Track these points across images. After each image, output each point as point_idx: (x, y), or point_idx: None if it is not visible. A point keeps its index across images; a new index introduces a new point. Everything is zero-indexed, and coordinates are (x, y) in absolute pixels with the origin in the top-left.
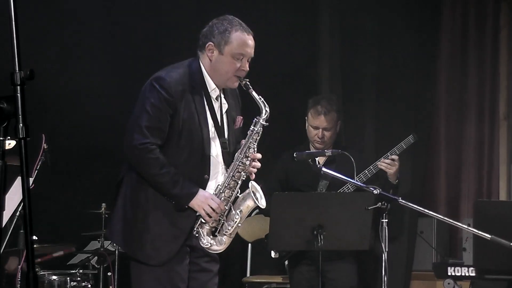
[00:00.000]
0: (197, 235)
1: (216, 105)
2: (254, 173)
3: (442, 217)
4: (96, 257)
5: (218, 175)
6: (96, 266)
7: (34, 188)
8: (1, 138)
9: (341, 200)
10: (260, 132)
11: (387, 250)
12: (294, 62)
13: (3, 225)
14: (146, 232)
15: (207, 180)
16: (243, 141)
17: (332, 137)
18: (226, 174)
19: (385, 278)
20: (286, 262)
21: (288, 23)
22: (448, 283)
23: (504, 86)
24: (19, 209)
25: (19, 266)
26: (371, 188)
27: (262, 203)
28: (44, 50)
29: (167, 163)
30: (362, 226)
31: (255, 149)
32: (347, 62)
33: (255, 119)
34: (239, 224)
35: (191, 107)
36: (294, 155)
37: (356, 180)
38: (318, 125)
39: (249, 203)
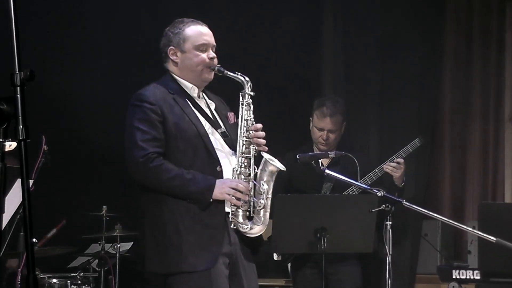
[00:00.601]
0: (234, 226)
1: (201, 103)
2: (264, 145)
3: (446, 219)
4: (96, 260)
5: (230, 163)
6: (97, 269)
7: (34, 190)
8: (1, 140)
9: (345, 202)
10: (251, 103)
11: (391, 253)
12: (298, 63)
13: (3, 228)
14: (182, 242)
15: (221, 172)
16: (239, 118)
17: (337, 139)
18: (234, 156)
19: (389, 281)
20: (289, 265)
21: (292, 26)
22: (453, 287)
23: (509, 88)
24: (19, 212)
25: (19, 269)
26: (375, 190)
27: (283, 167)
28: (46, 52)
29: (175, 166)
30: (365, 228)
31: (253, 120)
32: (351, 65)
33: (240, 92)
34: (269, 195)
35: (177, 109)
36: (297, 157)
37: (361, 182)
38: (323, 127)
39: (270, 169)
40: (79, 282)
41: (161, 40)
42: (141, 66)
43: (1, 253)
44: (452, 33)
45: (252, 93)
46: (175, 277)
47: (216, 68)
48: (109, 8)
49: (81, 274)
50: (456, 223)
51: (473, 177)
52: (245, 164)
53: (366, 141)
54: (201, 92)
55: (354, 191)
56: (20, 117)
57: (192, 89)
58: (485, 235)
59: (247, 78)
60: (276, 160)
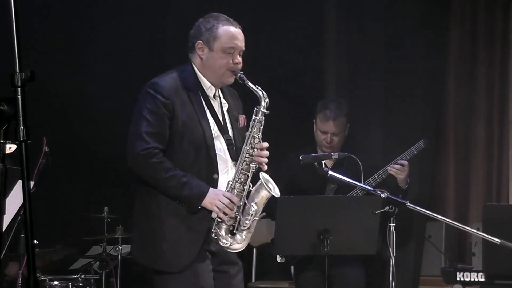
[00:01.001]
0: (215, 236)
1: (215, 104)
2: (265, 164)
3: (450, 221)
4: (98, 262)
5: (228, 173)
6: (98, 271)
7: (35, 192)
8: (1, 141)
9: (348, 204)
10: (263, 121)
11: (394, 255)
12: (301, 63)
13: (4, 230)
14: (163, 240)
15: (217, 180)
16: (247, 133)
17: (341, 141)
18: (234, 169)
19: (393, 283)
20: (292, 267)
21: (295, 24)
22: None
23: None
24: (20, 213)
25: (20, 271)
26: (379, 192)
27: (276, 192)
28: (47, 53)
29: (173, 166)
30: (369, 230)
31: (260, 139)
32: (354, 65)
33: (255, 108)
34: (256, 217)
35: (189, 108)
36: (300, 158)
37: (365, 184)
38: (326, 130)
39: (263, 194)
40: (80, 284)
41: (191, 29)
42: (145, 67)
43: (2, 255)
44: (456, 33)
45: (266, 111)
46: (155, 273)
47: (239, 75)
48: (113, 9)
49: (83, 276)
50: (460, 224)
51: (478, 179)
52: (242, 180)
53: (369, 143)
54: (218, 91)
55: (358, 193)
56: (20, 118)
57: (210, 89)
58: (489, 237)
59: (265, 94)
60: (272, 183)
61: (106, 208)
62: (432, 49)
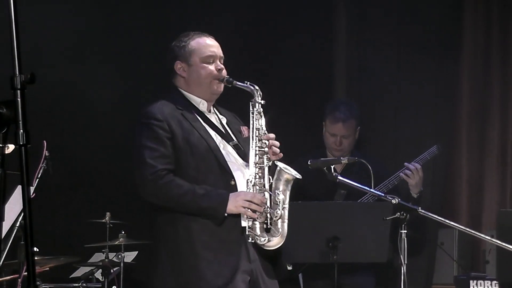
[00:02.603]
0: (252, 240)
1: (212, 117)
2: (278, 154)
3: (463, 228)
4: (100, 270)
5: (244, 176)
6: (100, 279)
7: (35, 197)
8: (1, 145)
9: (358, 210)
10: (262, 112)
11: (406, 262)
12: (310, 63)
13: (3, 236)
14: (199, 260)
15: (235, 185)
16: (250, 128)
17: (351, 144)
18: (248, 167)
19: None
20: (301, 276)
21: (304, 23)
22: None
23: None
24: (20, 220)
25: (20, 279)
26: (390, 198)
27: (298, 176)
28: (50, 55)
29: (186, 182)
30: (379, 237)
31: (265, 129)
32: (364, 64)
33: (250, 101)
34: (286, 205)
35: (186, 124)
36: (308, 163)
37: (376, 190)
38: (336, 132)
39: (286, 178)
40: None
41: (166, 56)
42: (147, 73)
43: (1, 263)
44: (470, 33)
45: (262, 102)
46: None
47: (225, 79)
48: (118, 13)
49: (84, 284)
50: (473, 231)
51: (491, 184)
52: (260, 174)
53: (380, 145)
54: (211, 107)
55: (369, 199)
56: (20, 122)
57: (201, 104)
58: (504, 244)
59: (256, 87)
60: (290, 169)
61: (108, 213)
62: (445, 48)
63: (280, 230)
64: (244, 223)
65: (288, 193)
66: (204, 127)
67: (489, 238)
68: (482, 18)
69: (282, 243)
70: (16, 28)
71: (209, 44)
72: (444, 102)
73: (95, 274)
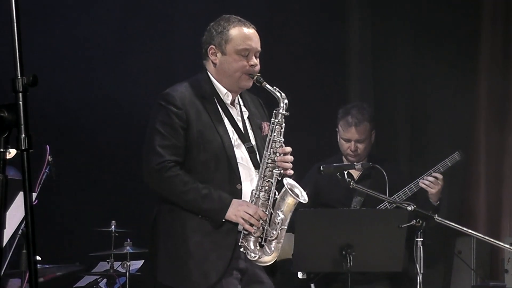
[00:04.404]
0: (243, 250)
1: (234, 112)
2: (287, 171)
3: (482, 236)
4: (105, 280)
5: (252, 182)
6: None
7: (38, 204)
8: (2, 150)
9: (372, 217)
10: (283, 124)
11: (422, 272)
12: (323, 66)
13: (4, 245)
14: (190, 258)
15: (240, 190)
16: (267, 138)
17: (367, 148)
18: (257, 176)
19: None
20: (313, 286)
21: (316, 25)
22: None
23: None
24: (21, 227)
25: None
26: (405, 205)
27: (304, 198)
28: (53, 59)
29: (192, 179)
30: (395, 245)
31: (282, 143)
32: (378, 66)
33: (274, 111)
34: (284, 226)
35: (205, 117)
36: (321, 168)
37: (393, 198)
38: (349, 137)
39: (289, 201)
40: None
41: (203, 35)
42: (154, 74)
43: (2, 272)
44: (488, 35)
45: (286, 113)
46: None
47: (256, 77)
48: (123, 16)
49: None
50: (492, 239)
51: (510, 191)
52: (266, 188)
53: (395, 150)
54: (237, 97)
55: (387, 206)
56: (22, 126)
57: (226, 95)
58: None
59: (283, 95)
60: (298, 188)
61: (113, 221)
62: (461, 49)
63: (273, 249)
64: (240, 228)
65: (289, 214)
66: (223, 122)
67: (508, 246)
68: (501, 20)
69: (274, 261)
70: (18, 29)
71: (248, 36)
72: (461, 103)
73: (100, 284)
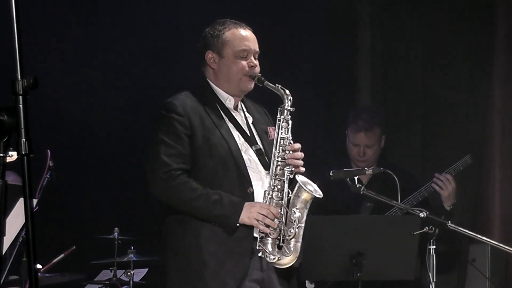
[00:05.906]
0: (261, 254)
1: (238, 116)
2: (299, 167)
3: (496, 243)
4: None
5: (263, 184)
6: None
7: (38, 211)
8: (2, 155)
9: (383, 224)
10: (290, 120)
11: (435, 280)
12: (333, 67)
13: (4, 252)
14: (205, 268)
15: (252, 193)
16: (275, 136)
17: (376, 154)
18: (268, 177)
19: None
20: None
21: (326, 26)
22: None
23: None
24: (22, 234)
25: None
26: (417, 211)
27: (319, 193)
28: (52, 57)
29: (200, 186)
30: (406, 253)
31: (291, 139)
32: (390, 68)
33: (279, 108)
34: (301, 224)
35: (209, 122)
36: (330, 174)
37: (404, 203)
38: (359, 142)
39: (304, 197)
40: None
41: (199, 42)
42: (156, 79)
43: (2, 281)
44: (502, 36)
45: (291, 109)
46: None
47: (256, 77)
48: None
49: None
50: (507, 247)
51: None
52: (278, 187)
53: (407, 154)
54: (239, 103)
55: (397, 212)
56: (22, 130)
57: (228, 100)
58: None
59: (287, 92)
60: (312, 184)
61: (116, 228)
62: (475, 51)
63: (292, 249)
64: (256, 234)
65: (306, 211)
66: (228, 126)
67: None
68: None
69: (294, 262)
70: (18, 30)
71: (245, 37)
72: (474, 106)
73: None
